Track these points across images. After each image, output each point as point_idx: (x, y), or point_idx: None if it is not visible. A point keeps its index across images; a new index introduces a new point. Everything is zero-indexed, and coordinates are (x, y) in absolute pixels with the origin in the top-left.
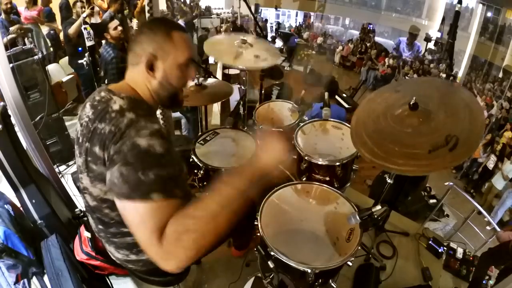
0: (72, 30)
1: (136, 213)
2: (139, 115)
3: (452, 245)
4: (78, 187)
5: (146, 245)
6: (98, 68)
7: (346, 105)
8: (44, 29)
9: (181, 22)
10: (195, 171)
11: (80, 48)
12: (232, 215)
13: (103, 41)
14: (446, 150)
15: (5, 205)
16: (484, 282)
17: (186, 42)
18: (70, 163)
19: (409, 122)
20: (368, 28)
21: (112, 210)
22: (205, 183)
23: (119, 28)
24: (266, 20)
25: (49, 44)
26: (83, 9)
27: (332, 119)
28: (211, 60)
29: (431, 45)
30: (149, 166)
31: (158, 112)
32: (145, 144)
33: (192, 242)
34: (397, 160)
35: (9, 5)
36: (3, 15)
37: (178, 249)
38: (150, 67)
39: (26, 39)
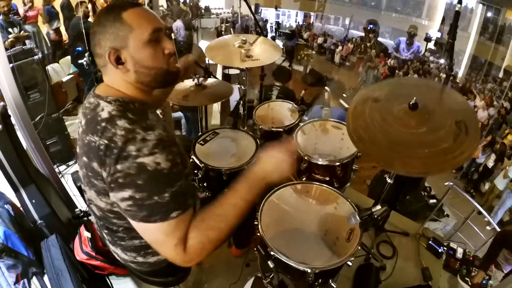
0: None
1: (157, 232)
2: (132, 121)
3: (452, 245)
4: (78, 187)
5: (171, 256)
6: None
7: (346, 105)
8: (44, 29)
9: (179, 22)
10: (195, 171)
11: (79, 48)
12: (241, 219)
13: None
14: (463, 135)
15: (5, 205)
16: (484, 282)
17: (141, 16)
18: (70, 163)
19: (418, 122)
20: (368, 28)
21: (120, 219)
22: (205, 183)
23: None
24: (266, 20)
25: (49, 44)
26: (88, 9)
27: (332, 119)
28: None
29: (431, 45)
30: (163, 187)
31: (158, 112)
32: (152, 163)
33: (212, 247)
34: (435, 160)
35: (6, 8)
36: (2, 16)
37: (201, 255)
38: (117, 61)
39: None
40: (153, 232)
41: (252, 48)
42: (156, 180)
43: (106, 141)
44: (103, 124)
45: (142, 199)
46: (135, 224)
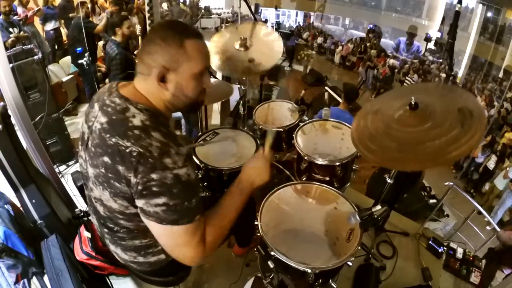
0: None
1: (183, 234)
2: (165, 135)
3: (452, 245)
4: (78, 187)
5: (193, 255)
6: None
7: None
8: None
9: None
10: (195, 171)
11: (79, 49)
12: (237, 216)
13: (109, 39)
14: (469, 119)
15: (5, 205)
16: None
17: (201, 50)
18: (70, 163)
19: (421, 119)
20: (368, 28)
21: (127, 221)
22: (205, 183)
23: (131, 28)
24: (266, 20)
25: (47, 44)
26: (88, 9)
27: (332, 119)
28: None
29: (431, 45)
30: (192, 194)
31: None
32: (185, 175)
33: (221, 240)
34: (447, 149)
35: (7, 8)
36: (2, 16)
37: (215, 248)
38: (162, 79)
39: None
40: (179, 234)
41: (253, 40)
42: (188, 189)
43: (140, 149)
44: (136, 131)
45: (175, 205)
46: (159, 227)
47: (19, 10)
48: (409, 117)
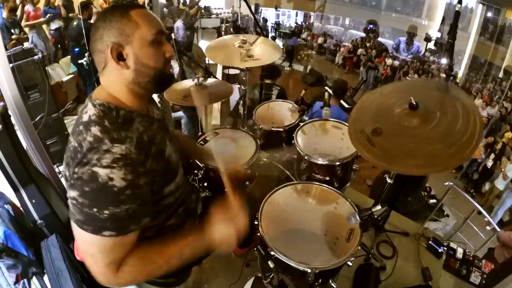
0: None
1: (92, 245)
2: (104, 130)
3: (452, 245)
4: None
5: (98, 273)
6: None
7: (346, 105)
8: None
9: (179, 22)
10: (195, 171)
11: (76, 49)
12: (176, 266)
13: None
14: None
15: (5, 205)
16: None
17: (148, 17)
18: None
19: (426, 116)
20: (368, 28)
21: None
22: (205, 183)
23: None
24: (266, 20)
25: (51, 44)
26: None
27: (332, 119)
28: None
29: (431, 45)
30: (105, 204)
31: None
32: (105, 176)
33: (143, 279)
34: (470, 127)
35: (12, 4)
36: (5, 14)
37: (130, 282)
38: (119, 57)
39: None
40: (88, 243)
41: (252, 48)
42: (101, 194)
43: (75, 144)
44: (80, 127)
45: (82, 204)
46: (73, 225)
47: (28, 7)
48: (415, 119)
